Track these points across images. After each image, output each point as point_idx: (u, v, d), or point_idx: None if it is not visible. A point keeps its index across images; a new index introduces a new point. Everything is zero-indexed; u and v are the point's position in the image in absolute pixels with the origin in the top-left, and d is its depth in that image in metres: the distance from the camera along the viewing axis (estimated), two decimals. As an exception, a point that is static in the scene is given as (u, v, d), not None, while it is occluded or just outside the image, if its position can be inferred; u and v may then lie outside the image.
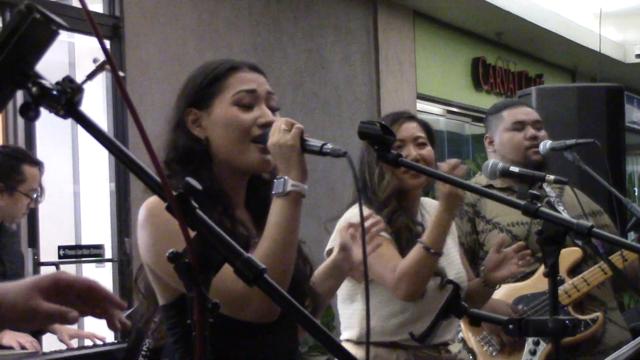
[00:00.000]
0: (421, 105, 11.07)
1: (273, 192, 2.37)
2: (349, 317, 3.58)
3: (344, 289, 3.55)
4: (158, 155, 1.48)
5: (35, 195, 4.70)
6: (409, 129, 3.56)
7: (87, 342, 4.95)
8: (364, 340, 3.49)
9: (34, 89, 1.42)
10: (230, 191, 2.50)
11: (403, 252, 3.42)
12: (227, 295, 2.19)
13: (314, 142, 2.35)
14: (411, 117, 3.63)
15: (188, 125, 2.50)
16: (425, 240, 3.31)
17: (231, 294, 2.22)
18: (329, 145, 2.32)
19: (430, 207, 3.64)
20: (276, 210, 2.36)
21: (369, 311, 2.19)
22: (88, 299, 1.68)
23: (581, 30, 12.75)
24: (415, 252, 3.33)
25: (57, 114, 1.44)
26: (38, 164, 4.74)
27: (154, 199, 2.36)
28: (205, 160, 2.47)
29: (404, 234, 3.48)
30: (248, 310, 2.29)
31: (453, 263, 3.58)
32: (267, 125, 2.44)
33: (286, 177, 2.36)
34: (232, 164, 2.48)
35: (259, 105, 2.49)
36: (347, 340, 3.56)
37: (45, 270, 6.42)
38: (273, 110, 2.52)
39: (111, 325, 1.71)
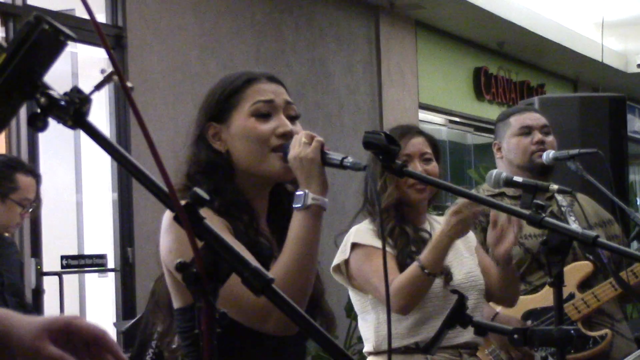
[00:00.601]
0: (423, 115, 11.07)
1: (294, 206, 2.38)
2: (366, 330, 3.62)
3: (357, 304, 3.59)
4: (165, 165, 1.48)
5: (29, 206, 4.68)
6: (416, 145, 3.58)
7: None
8: (381, 349, 3.53)
9: (43, 100, 1.42)
10: (253, 203, 2.51)
11: (401, 264, 3.44)
12: (248, 308, 2.23)
13: (334, 156, 2.36)
14: (419, 132, 3.65)
15: (209, 140, 2.51)
16: (422, 260, 3.32)
17: (252, 306, 2.25)
18: (349, 159, 2.33)
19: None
20: (297, 223, 2.37)
21: (390, 321, 2.19)
22: (94, 348, 1.67)
23: (583, 40, 12.75)
24: (411, 270, 3.34)
25: (65, 124, 1.44)
26: (34, 175, 4.73)
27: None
28: (227, 172, 2.49)
29: (401, 246, 3.49)
30: (269, 323, 2.30)
31: (464, 264, 3.58)
32: (286, 135, 2.46)
33: (307, 191, 2.36)
34: (253, 174, 2.50)
35: (277, 115, 2.50)
36: (369, 353, 3.60)
37: (48, 280, 6.44)
38: (293, 118, 2.53)
39: None
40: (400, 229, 3.52)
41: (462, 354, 3.50)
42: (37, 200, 4.72)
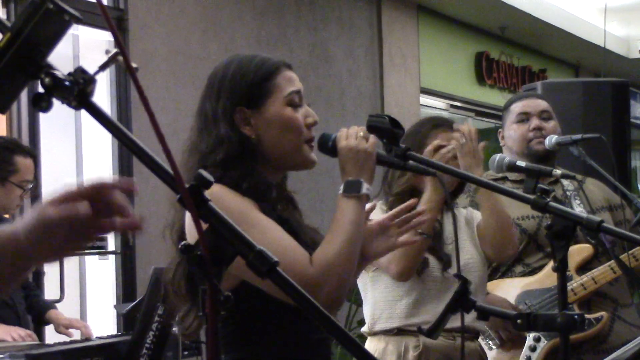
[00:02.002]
0: (424, 100, 11.06)
1: (345, 192, 2.50)
2: (365, 311, 3.64)
3: (360, 283, 3.61)
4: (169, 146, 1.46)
5: (29, 187, 4.68)
6: (444, 139, 3.59)
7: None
8: (374, 330, 3.55)
9: (47, 80, 1.41)
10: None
11: None
12: (299, 280, 2.25)
13: (386, 156, 2.57)
14: (450, 126, 3.66)
15: (237, 124, 2.52)
16: None
17: (304, 278, 2.32)
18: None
19: (470, 217, 3.68)
20: (350, 208, 2.48)
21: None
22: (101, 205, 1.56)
23: (585, 25, 12.73)
24: None
25: (69, 105, 1.43)
26: (32, 156, 4.72)
27: (214, 188, 2.37)
28: (253, 158, 2.52)
29: None
30: (320, 295, 2.36)
31: (464, 249, 3.58)
32: (314, 124, 2.57)
33: (362, 180, 2.50)
34: (283, 163, 2.57)
35: (303, 104, 2.59)
36: (367, 334, 3.62)
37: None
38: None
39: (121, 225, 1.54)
40: None
41: (455, 337, 3.49)
42: (37, 180, 4.72)
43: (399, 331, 3.50)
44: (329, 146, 2.59)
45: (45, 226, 1.50)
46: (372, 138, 2.54)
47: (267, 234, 2.37)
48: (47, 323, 4.95)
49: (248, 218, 2.38)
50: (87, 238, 1.54)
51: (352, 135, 2.55)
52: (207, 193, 2.32)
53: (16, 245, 1.53)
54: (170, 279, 2.47)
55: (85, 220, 1.49)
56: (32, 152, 4.76)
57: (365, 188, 2.50)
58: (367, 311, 3.61)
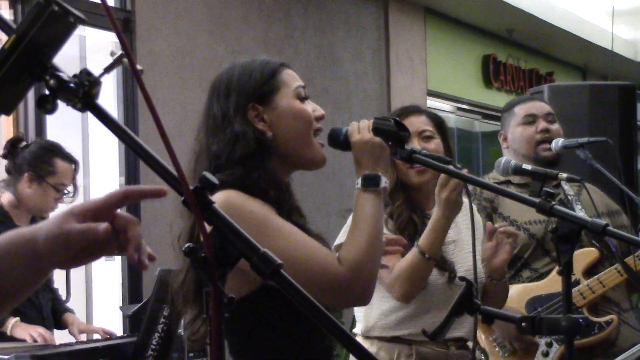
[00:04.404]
0: (431, 102, 11.06)
1: (364, 186, 2.50)
2: (359, 312, 3.58)
3: None
4: (174, 149, 1.47)
5: (66, 192, 4.71)
6: (414, 123, 3.48)
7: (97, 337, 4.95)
8: (369, 335, 3.50)
9: (52, 82, 1.41)
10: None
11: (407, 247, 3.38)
12: (331, 280, 2.29)
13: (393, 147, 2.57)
14: (418, 111, 3.57)
15: (252, 120, 2.53)
16: (421, 245, 3.27)
17: (336, 278, 2.35)
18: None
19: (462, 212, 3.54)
20: (370, 202, 2.48)
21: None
22: (122, 235, 1.57)
23: (593, 28, 12.72)
24: (411, 255, 3.30)
25: (74, 107, 1.43)
26: (72, 161, 4.76)
27: (229, 194, 2.41)
28: (268, 156, 2.53)
29: (407, 229, 3.44)
30: (353, 293, 2.40)
31: (467, 258, 3.48)
32: (322, 118, 2.60)
33: (380, 174, 2.50)
34: (296, 159, 2.57)
35: (308, 99, 2.62)
36: (360, 335, 3.56)
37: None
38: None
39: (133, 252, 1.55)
40: (409, 218, 3.46)
41: (449, 346, 3.46)
42: (75, 187, 4.75)
43: (393, 338, 3.44)
44: (340, 140, 2.60)
45: (64, 237, 1.52)
46: None
47: (292, 237, 2.39)
48: (63, 326, 4.97)
49: (273, 223, 2.40)
50: (100, 254, 1.56)
51: (365, 129, 2.56)
52: (227, 201, 2.34)
53: (33, 249, 1.54)
54: (180, 284, 2.46)
55: (104, 239, 1.51)
56: (74, 158, 4.79)
57: (383, 182, 2.50)
58: (362, 316, 3.55)
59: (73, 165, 4.74)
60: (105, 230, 1.50)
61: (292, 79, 2.59)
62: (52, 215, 1.47)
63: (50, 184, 4.65)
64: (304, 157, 2.57)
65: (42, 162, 4.65)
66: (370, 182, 2.50)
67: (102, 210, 1.53)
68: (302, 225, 2.52)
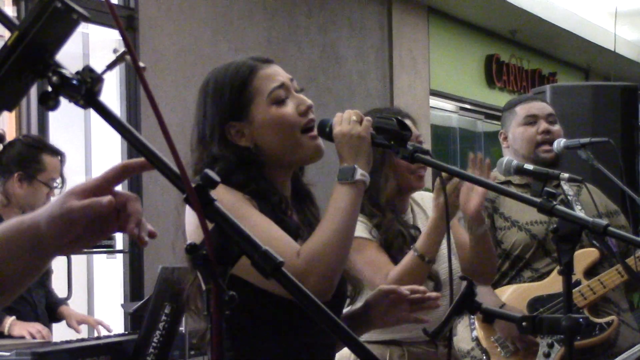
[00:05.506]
0: (434, 102, 11.06)
1: (339, 179, 2.46)
2: None
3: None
4: (175, 146, 1.47)
5: (55, 185, 4.70)
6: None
7: (101, 332, 4.96)
8: (367, 340, 3.46)
9: (55, 78, 1.41)
10: (281, 189, 2.54)
11: (393, 257, 3.32)
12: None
13: (380, 138, 2.52)
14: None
15: (233, 139, 2.49)
16: (419, 248, 3.20)
17: (289, 269, 2.27)
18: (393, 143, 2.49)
19: (427, 201, 3.49)
20: (341, 196, 2.44)
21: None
22: (123, 214, 1.57)
23: (595, 29, 12.71)
24: (408, 259, 3.22)
25: (76, 103, 1.43)
26: (59, 154, 4.74)
27: (221, 191, 2.34)
28: (256, 165, 2.49)
29: (396, 240, 3.37)
30: (306, 285, 2.32)
31: (442, 255, 3.32)
32: (308, 110, 2.52)
33: (355, 166, 2.45)
34: (287, 161, 2.52)
35: (291, 94, 2.53)
36: None
37: (57, 261, 6.44)
38: (298, 92, 2.56)
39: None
40: (398, 231, 3.40)
41: (438, 345, 3.43)
42: (63, 179, 4.74)
43: (382, 341, 3.38)
44: (326, 132, 2.55)
45: (67, 215, 1.51)
46: (366, 121, 2.50)
47: (255, 227, 2.32)
48: (59, 319, 4.97)
49: (239, 211, 2.35)
50: (104, 232, 1.55)
51: (346, 120, 2.51)
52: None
53: (36, 234, 1.54)
54: (190, 283, 2.44)
55: (107, 213, 1.50)
56: (59, 151, 4.78)
57: (359, 174, 2.45)
58: None
59: (59, 157, 4.72)
60: (109, 202, 1.49)
61: (266, 82, 2.50)
62: (51, 203, 1.46)
63: (41, 181, 4.62)
64: (296, 157, 2.53)
65: (30, 160, 4.62)
66: (345, 175, 2.46)
67: (102, 187, 1.53)
68: (283, 219, 2.46)
